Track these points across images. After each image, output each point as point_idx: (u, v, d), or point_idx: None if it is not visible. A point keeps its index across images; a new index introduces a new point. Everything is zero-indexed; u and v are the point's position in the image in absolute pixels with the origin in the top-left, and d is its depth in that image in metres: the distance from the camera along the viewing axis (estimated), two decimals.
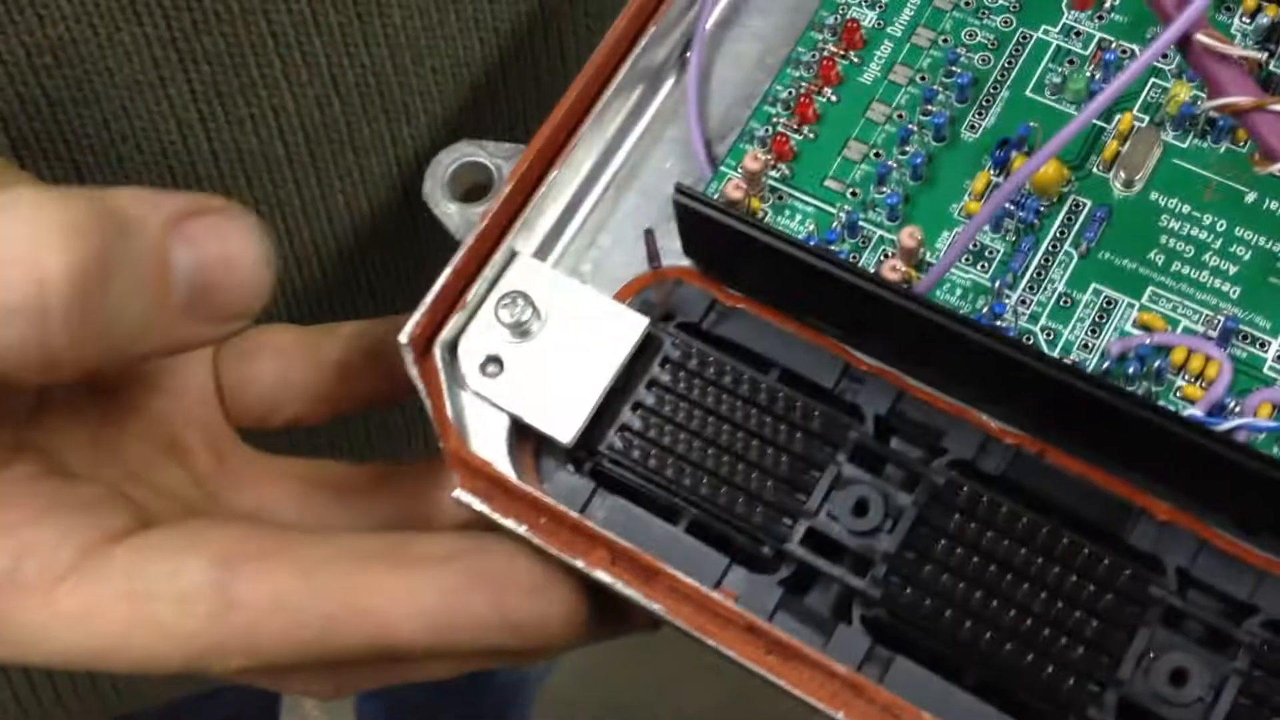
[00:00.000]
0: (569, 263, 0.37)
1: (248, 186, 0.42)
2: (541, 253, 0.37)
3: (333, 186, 0.44)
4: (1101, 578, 0.32)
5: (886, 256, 0.35)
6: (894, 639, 0.32)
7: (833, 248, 0.36)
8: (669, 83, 0.39)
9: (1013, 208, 0.35)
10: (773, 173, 0.37)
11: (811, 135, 0.37)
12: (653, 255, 0.37)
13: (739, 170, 0.36)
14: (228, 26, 0.38)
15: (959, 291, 0.35)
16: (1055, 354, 0.34)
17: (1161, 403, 0.33)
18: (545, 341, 0.35)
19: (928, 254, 0.35)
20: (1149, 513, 0.33)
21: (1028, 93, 0.37)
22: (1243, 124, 0.31)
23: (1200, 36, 0.30)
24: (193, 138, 0.40)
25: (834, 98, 0.37)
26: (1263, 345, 0.34)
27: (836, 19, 0.38)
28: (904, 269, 0.34)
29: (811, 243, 0.35)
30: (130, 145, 0.39)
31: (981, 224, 0.34)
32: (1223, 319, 0.34)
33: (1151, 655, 0.31)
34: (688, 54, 0.38)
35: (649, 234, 0.37)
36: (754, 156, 0.36)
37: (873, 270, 0.35)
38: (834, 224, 0.36)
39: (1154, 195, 0.36)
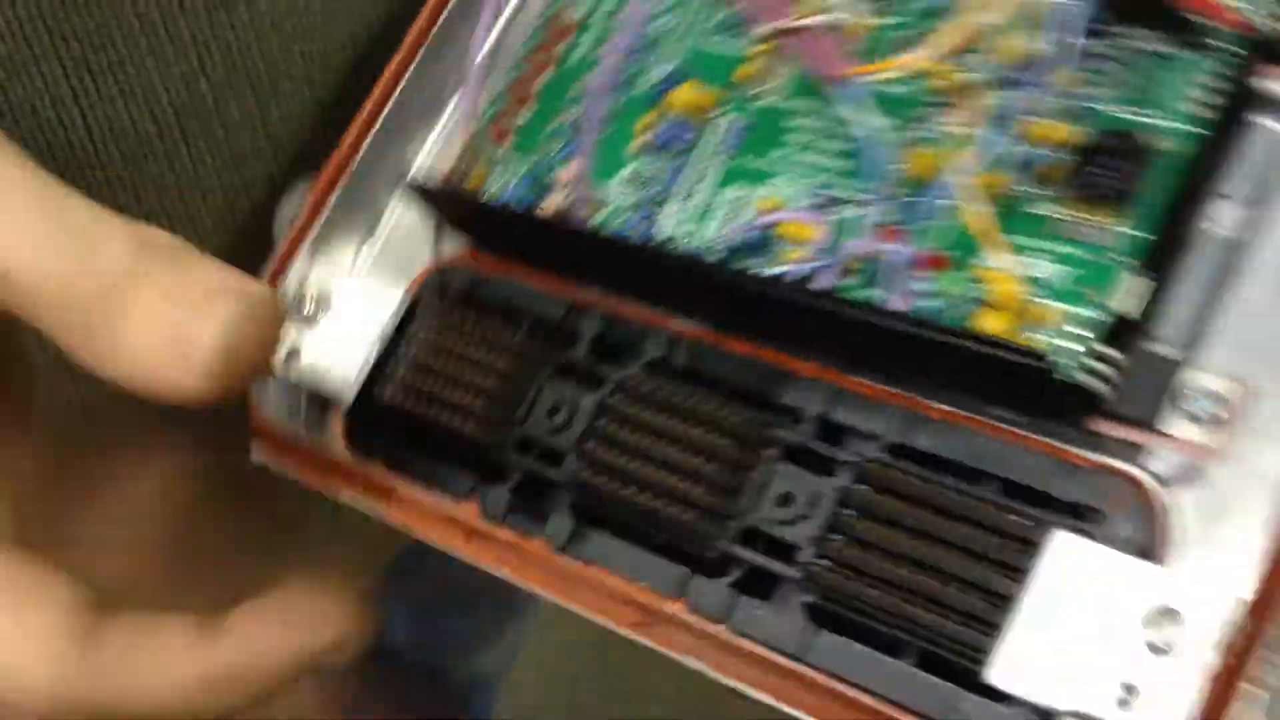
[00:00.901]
0: (376, 261, 0.45)
1: (122, 162, 0.45)
2: (350, 257, 0.45)
3: (204, 163, 0.47)
4: (732, 428, 0.37)
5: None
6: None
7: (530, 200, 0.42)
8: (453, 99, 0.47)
9: (672, 137, 0.41)
10: (493, 150, 0.43)
11: (530, 114, 0.44)
12: (435, 247, 0.45)
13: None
14: (95, 7, 0.41)
15: (622, 213, 0.41)
16: (696, 249, 0.39)
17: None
18: (332, 327, 0.43)
19: (603, 187, 0.41)
20: (794, 373, 0.37)
21: (692, 40, 0.42)
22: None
23: None
24: (66, 114, 0.43)
25: (547, 79, 0.44)
26: (863, 205, 0.37)
27: (547, 20, 0.45)
28: (557, 200, 0.40)
29: (509, 199, 0.42)
30: (8, 120, 0.42)
31: (592, 130, 0.39)
32: (822, 190, 0.38)
33: (765, 486, 0.36)
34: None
35: (435, 229, 0.45)
36: (467, 134, 0.43)
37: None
38: (531, 177, 0.42)
39: (785, 102, 0.40)
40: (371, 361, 0.42)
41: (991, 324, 0.33)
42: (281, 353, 0.43)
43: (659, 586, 0.36)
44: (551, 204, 0.41)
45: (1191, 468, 0.33)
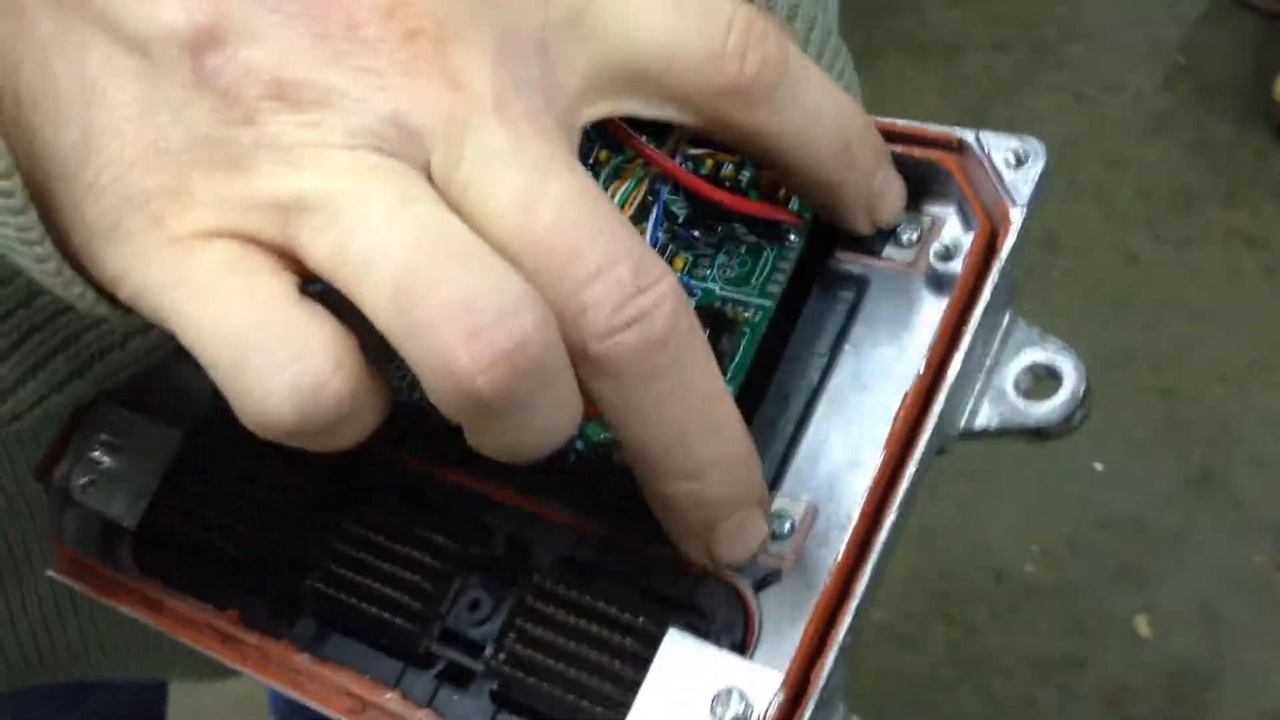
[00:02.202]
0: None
1: None
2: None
3: None
4: (439, 549, 0.45)
5: None
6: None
7: None
8: None
9: None
10: None
11: None
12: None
13: None
14: None
15: None
16: None
17: None
18: (120, 462, 0.50)
19: None
20: (494, 500, 0.45)
21: None
22: None
23: None
24: None
25: None
26: None
27: None
28: None
29: None
30: None
31: None
32: None
33: (460, 594, 0.44)
34: None
35: None
36: None
37: None
38: None
39: None
40: (150, 491, 0.50)
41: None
42: (83, 482, 0.50)
43: (379, 677, 0.44)
44: None
45: (773, 574, 0.41)
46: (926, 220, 0.44)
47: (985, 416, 0.40)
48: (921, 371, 0.40)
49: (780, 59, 0.37)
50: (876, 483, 0.39)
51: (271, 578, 0.47)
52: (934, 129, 0.43)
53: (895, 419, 0.40)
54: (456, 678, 0.43)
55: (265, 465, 0.48)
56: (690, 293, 0.44)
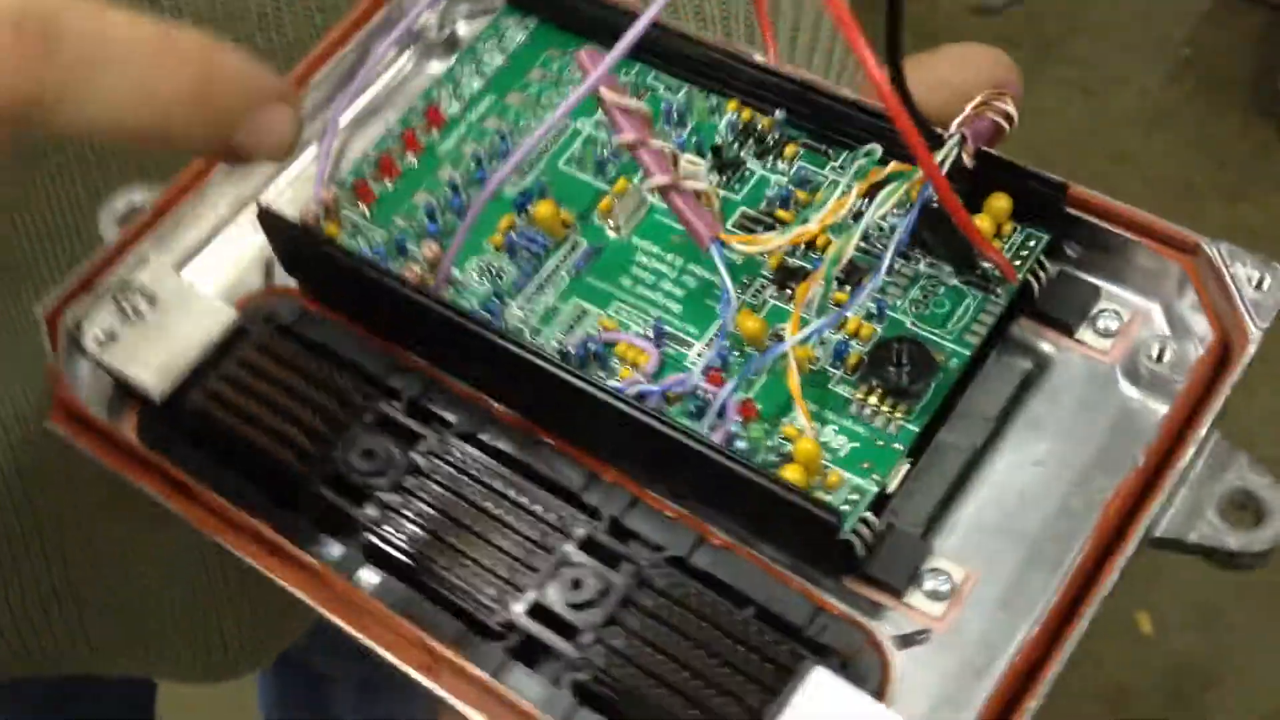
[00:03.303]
0: (207, 279, 0.45)
1: None
2: (179, 264, 0.45)
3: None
4: (535, 513, 0.39)
5: (415, 267, 0.43)
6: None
7: (386, 265, 0.43)
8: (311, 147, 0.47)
9: (526, 241, 0.43)
10: (354, 211, 0.45)
11: (390, 185, 0.45)
12: (268, 277, 0.45)
13: (318, 202, 0.44)
14: None
15: (476, 298, 0.42)
16: (533, 346, 0.41)
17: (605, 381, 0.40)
18: (154, 324, 0.43)
19: (459, 273, 0.43)
20: (599, 476, 0.40)
21: (560, 165, 0.45)
22: (635, 157, 0.39)
23: (604, 91, 0.38)
24: None
25: (414, 161, 0.45)
26: (686, 345, 0.41)
27: (425, 106, 0.46)
28: (417, 270, 0.42)
29: (365, 254, 0.43)
30: None
31: (467, 225, 0.41)
32: (660, 324, 0.41)
33: (559, 569, 0.38)
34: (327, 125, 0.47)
35: (269, 260, 0.45)
36: (328, 190, 0.44)
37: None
38: (385, 244, 0.44)
39: (635, 239, 0.43)
40: (191, 365, 0.42)
41: (790, 474, 0.37)
42: (99, 334, 0.42)
43: (436, 639, 0.38)
44: (412, 271, 0.42)
45: (921, 634, 0.37)
46: (1128, 313, 0.41)
47: (1182, 528, 0.38)
48: (1141, 465, 0.37)
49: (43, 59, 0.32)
50: (1080, 568, 0.36)
51: (318, 494, 0.41)
52: (1172, 226, 0.40)
53: (1106, 507, 0.37)
54: (531, 656, 0.38)
55: (326, 371, 0.42)
56: (880, 318, 0.41)
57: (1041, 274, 0.41)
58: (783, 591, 0.38)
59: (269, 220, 0.43)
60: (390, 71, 0.50)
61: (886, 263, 0.38)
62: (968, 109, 0.40)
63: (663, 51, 0.46)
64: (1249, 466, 0.38)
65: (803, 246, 0.42)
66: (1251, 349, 0.38)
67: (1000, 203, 0.41)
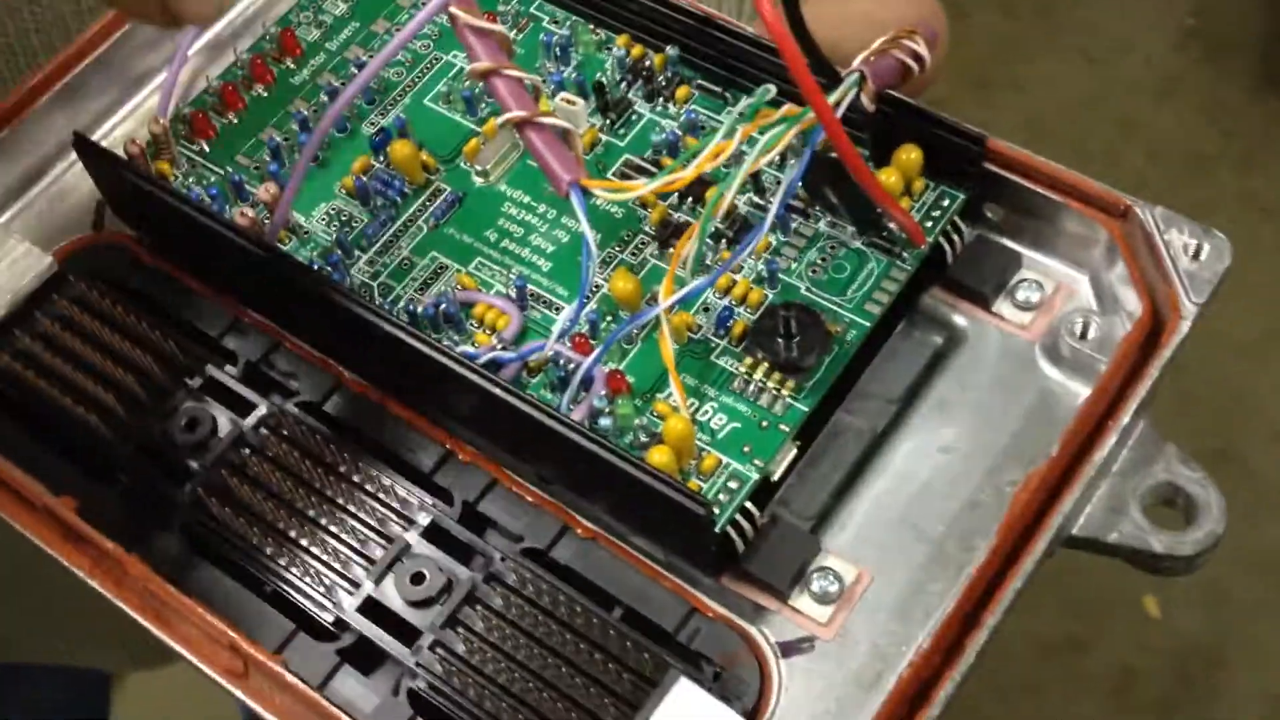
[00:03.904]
0: (28, 223, 0.40)
1: None
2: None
3: None
4: (376, 494, 0.34)
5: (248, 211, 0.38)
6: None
7: (222, 208, 0.38)
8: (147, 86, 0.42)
9: (381, 186, 0.38)
10: (191, 146, 0.39)
11: (234, 120, 0.40)
12: (97, 221, 0.40)
13: (149, 135, 0.39)
14: None
15: (318, 248, 0.37)
16: (385, 305, 0.36)
17: (457, 348, 0.35)
18: None
19: (303, 219, 0.38)
20: (455, 455, 0.35)
21: (425, 101, 0.40)
22: (489, 87, 0.33)
23: (454, 9, 0.33)
24: None
25: (262, 92, 0.40)
26: (555, 308, 0.36)
27: (279, 32, 0.41)
28: (252, 215, 0.37)
29: (196, 198, 0.38)
30: None
31: (305, 162, 0.36)
32: (522, 283, 0.36)
33: (402, 561, 0.33)
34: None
35: (100, 203, 0.40)
36: (155, 122, 0.38)
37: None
38: (219, 184, 0.38)
39: (503, 187, 0.38)
40: None
41: (658, 458, 0.32)
42: None
43: (259, 636, 0.33)
44: (244, 216, 0.37)
45: (806, 641, 0.32)
46: (1051, 284, 0.37)
47: (1101, 527, 0.33)
48: (1054, 455, 0.32)
49: None
50: (980, 573, 0.31)
51: (128, 467, 0.36)
52: (1100, 187, 0.36)
53: (1013, 503, 0.32)
54: (366, 659, 0.33)
55: (152, 329, 0.37)
56: (771, 283, 0.36)
57: (956, 238, 0.37)
58: (654, 590, 0.33)
59: (86, 151, 0.37)
60: None
61: (771, 216, 0.33)
62: (873, 46, 0.35)
63: None
64: (1179, 459, 0.34)
65: (690, 200, 0.37)
66: (1185, 326, 0.34)
67: (910, 155, 0.36)
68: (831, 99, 0.33)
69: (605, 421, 0.34)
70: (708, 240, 0.36)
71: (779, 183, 0.37)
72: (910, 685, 0.30)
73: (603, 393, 0.34)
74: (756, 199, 0.37)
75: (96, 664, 0.76)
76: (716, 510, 0.32)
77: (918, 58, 0.36)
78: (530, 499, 0.34)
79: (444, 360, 0.33)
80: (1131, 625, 1.02)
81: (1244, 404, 1.08)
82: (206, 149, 0.39)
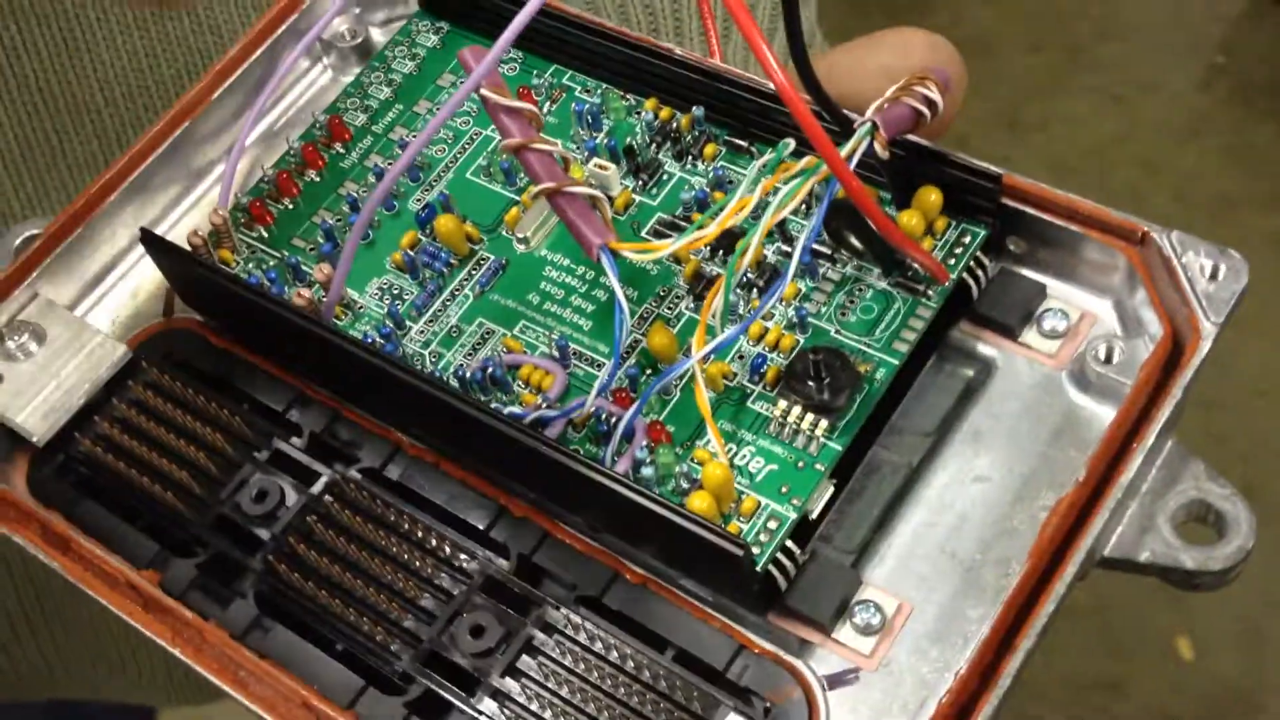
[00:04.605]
0: (103, 314, 0.43)
1: None
2: (76, 300, 0.42)
3: (47, 196, 0.49)
4: (435, 551, 0.36)
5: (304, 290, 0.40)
6: None
7: (280, 290, 0.40)
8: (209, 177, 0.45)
9: (428, 259, 0.40)
10: (250, 233, 0.42)
11: (290, 205, 0.42)
12: (168, 308, 0.42)
13: (211, 225, 0.41)
14: None
15: (372, 321, 0.39)
16: (436, 372, 0.38)
17: (505, 409, 0.36)
18: (41, 363, 0.40)
19: (357, 295, 0.40)
20: (509, 510, 0.37)
21: (467, 175, 0.42)
22: (521, 161, 0.35)
23: (484, 91, 0.35)
24: None
25: (315, 177, 0.43)
26: (598, 365, 0.38)
27: (328, 119, 0.43)
28: (308, 295, 0.39)
29: (255, 283, 0.40)
30: None
31: (354, 242, 0.38)
32: (564, 343, 0.38)
33: (459, 614, 0.35)
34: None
35: (169, 291, 0.42)
36: (216, 213, 0.41)
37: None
38: (277, 268, 0.41)
39: (544, 252, 0.40)
40: (76, 407, 0.40)
41: (698, 504, 0.34)
42: None
43: (331, 694, 0.35)
44: (301, 297, 0.39)
45: (851, 673, 0.34)
46: (1075, 313, 0.38)
47: (1133, 547, 0.34)
48: (1082, 480, 0.33)
49: None
50: (1013, 598, 0.32)
51: (204, 540, 0.38)
52: (1117, 215, 0.37)
53: (1043, 528, 0.33)
54: (430, 711, 0.35)
55: (222, 407, 0.39)
56: (802, 328, 0.37)
57: (980, 273, 0.38)
58: (703, 630, 0.35)
59: (153, 244, 0.40)
60: (302, 84, 0.47)
61: (794, 264, 0.35)
62: (886, 94, 0.36)
63: (578, 50, 0.43)
64: (1206, 475, 0.34)
65: (720, 253, 0.39)
66: (1205, 346, 0.35)
67: (931, 197, 0.37)
68: (844, 151, 0.35)
69: (647, 471, 0.35)
70: (738, 290, 0.38)
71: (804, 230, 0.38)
72: (950, 710, 0.31)
73: (644, 443, 0.35)
74: (785, 248, 0.38)
75: (141, 699, 0.79)
76: (757, 551, 0.34)
77: (930, 103, 0.37)
78: (581, 549, 0.36)
79: (491, 422, 0.35)
80: (1165, 667, 1.00)
81: (1270, 446, 1.06)
82: (265, 235, 0.42)
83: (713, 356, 0.36)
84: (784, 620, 0.35)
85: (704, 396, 0.35)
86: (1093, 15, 1.30)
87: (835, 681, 0.34)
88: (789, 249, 0.38)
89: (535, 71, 0.43)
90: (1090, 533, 0.33)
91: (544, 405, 0.37)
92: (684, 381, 0.37)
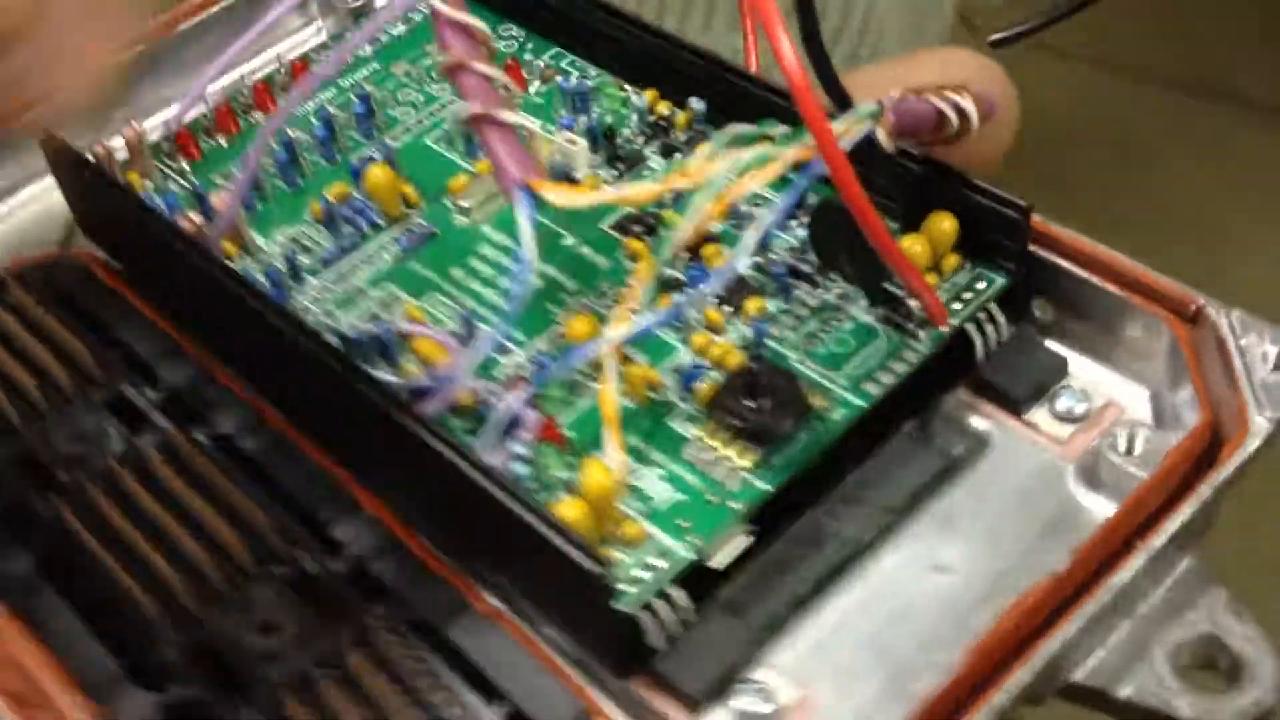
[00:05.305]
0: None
1: None
2: None
3: None
4: (254, 530, 0.29)
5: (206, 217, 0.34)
6: None
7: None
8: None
9: (352, 214, 0.34)
10: (172, 164, 0.36)
11: (223, 143, 0.37)
12: (66, 239, 0.37)
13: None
14: None
15: (263, 266, 0.34)
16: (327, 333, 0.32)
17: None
18: None
19: (263, 241, 0.34)
20: (361, 508, 0.30)
21: (427, 140, 0.36)
22: (454, 82, 0.30)
23: (435, 2, 0.29)
24: None
25: (261, 119, 0.37)
26: (506, 351, 0.31)
27: (292, 63, 0.38)
28: (200, 223, 0.33)
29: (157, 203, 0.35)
30: None
31: (252, 165, 0.32)
32: (470, 317, 0.31)
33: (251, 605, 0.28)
34: None
35: (70, 223, 0.37)
36: (130, 128, 0.36)
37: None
38: (185, 196, 0.35)
39: (486, 229, 0.34)
40: None
41: (567, 511, 0.27)
42: None
43: (86, 679, 0.28)
44: (189, 221, 0.34)
45: None
46: (1100, 398, 0.30)
47: (1113, 677, 0.26)
48: (1062, 572, 0.26)
49: None
50: (935, 705, 0.24)
51: None
52: (1167, 282, 0.30)
53: (997, 624, 0.25)
54: (190, 717, 0.27)
55: (83, 350, 0.33)
56: (758, 346, 0.30)
57: (990, 330, 0.31)
58: (547, 686, 0.27)
59: (53, 149, 0.35)
60: (291, 42, 0.42)
61: (751, 243, 0.28)
62: (910, 85, 0.30)
63: (580, 31, 0.38)
64: (1229, 608, 0.26)
65: (688, 255, 0.32)
66: (1252, 445, 0.27)
67: (943, 224, 0.31)
68: (837, 125, 0.28)
69: (521, 470, 0.28)
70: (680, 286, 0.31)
71: (792, 248, 0.32)
72: None
73: (528, 437, 0.29)
74: (762, 261, 0.32)
75: None
76: (627, 588, 0.26)
77: (961, 113, 0.30)
78: (434, 566, 0.29)
79: (342, 372, 0.28)
80: None
81: None
82: (186, 168, 0.36)
83: (644, 360, 0.29)
84: (651, 690, 0.27)
85: (611, 391, 0.28)
86: None
87: None
88: (764, 261, 0.32)
89: (532, 48, 0.38)
90: (1057, 637, 0.25)
91: (430, 381, 0.30)
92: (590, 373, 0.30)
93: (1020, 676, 0.24)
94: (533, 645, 0.28)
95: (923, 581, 0.28)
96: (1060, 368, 0.31)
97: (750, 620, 0.28)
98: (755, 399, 0.28)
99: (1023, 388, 0.30)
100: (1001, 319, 0.31)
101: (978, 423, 0.30)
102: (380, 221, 0.34)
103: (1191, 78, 1.02)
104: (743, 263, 0.29)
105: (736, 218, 0.33)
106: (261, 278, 0.33)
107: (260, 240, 0.34)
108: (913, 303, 0.30)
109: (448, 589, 0.29)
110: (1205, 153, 0.99)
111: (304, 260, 0.34)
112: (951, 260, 0.31)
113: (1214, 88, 1.01)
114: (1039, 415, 0.30)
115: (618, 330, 0.28)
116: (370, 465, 0.30)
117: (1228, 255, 0.98)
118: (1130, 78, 1.01)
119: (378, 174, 0.34)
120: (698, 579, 0.27)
